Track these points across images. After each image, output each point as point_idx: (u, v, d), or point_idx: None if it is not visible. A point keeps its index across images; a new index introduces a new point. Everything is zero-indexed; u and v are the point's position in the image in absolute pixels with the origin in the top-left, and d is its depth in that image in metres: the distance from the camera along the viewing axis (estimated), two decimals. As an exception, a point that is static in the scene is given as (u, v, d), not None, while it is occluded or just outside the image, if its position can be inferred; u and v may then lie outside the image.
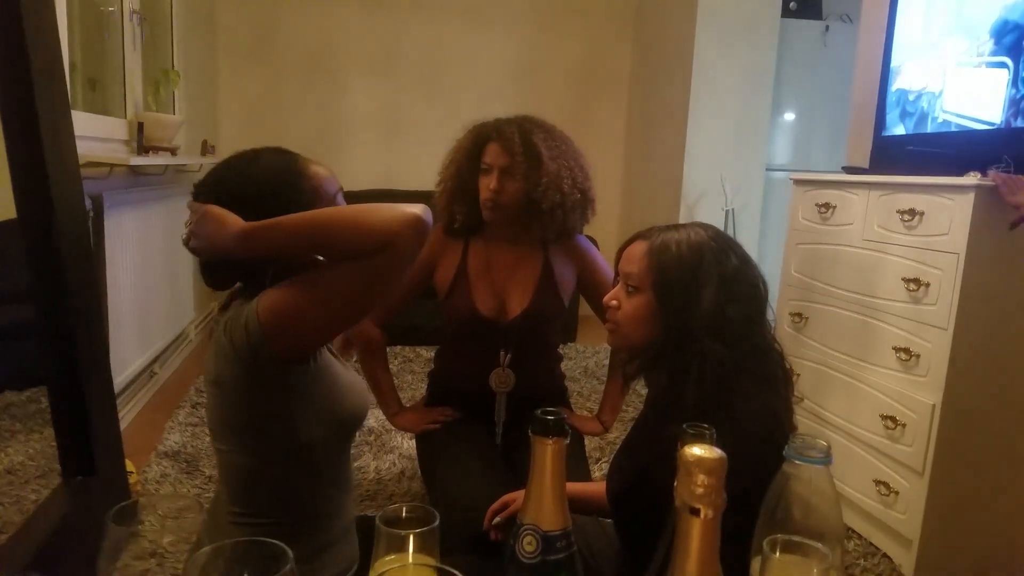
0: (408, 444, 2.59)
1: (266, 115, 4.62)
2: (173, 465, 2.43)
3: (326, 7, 4.61)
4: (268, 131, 4.57)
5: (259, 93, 4.62)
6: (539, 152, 1.77)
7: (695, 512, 0.53)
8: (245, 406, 1.09)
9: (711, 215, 4.17)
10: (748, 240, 4.21)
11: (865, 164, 2.48)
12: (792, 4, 4.37)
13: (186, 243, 1.08)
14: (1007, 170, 1.81)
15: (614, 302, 1.21)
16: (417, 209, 1.02)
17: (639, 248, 1.20)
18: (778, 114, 4.41)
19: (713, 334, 1.10)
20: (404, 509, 0.67)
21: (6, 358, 2.48)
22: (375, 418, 2.62)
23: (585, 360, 3.95)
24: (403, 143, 4.79)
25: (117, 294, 2.60)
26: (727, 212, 4.14)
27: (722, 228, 4.08)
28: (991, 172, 1.80)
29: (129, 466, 2.16)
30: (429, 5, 4.73)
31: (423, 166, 4.60)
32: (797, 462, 0.79)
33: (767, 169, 4.34)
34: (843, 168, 2.45)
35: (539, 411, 0.70)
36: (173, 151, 2.94)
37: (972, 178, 1.81)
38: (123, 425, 2.65)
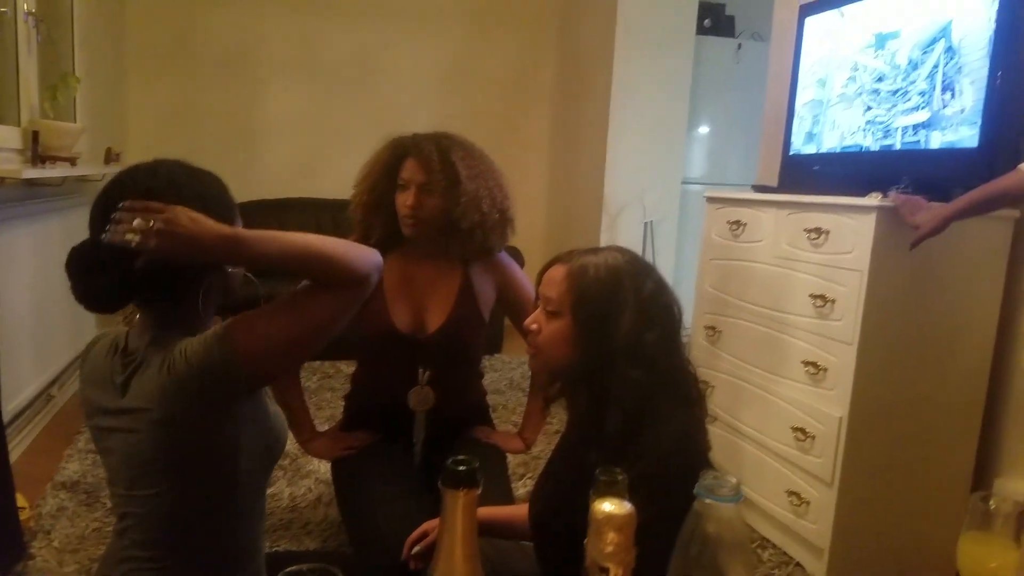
0: (324, 468, 2.51)
1: (179, 119, 4.45)
2: (71, 497, 2.29)
3: (243, 6, 4.47)
4: (182, 136, 4.39)
5: (172, 97, 4.44)
6: (457, 171, 1.76)
7: (604, 572, 0.52)
8: (196, 442, 1.04)
9: (632, 227, 4.24)
10: (667, 252, 4.30)
11: (774, 183, 2.55)
12: (707, 21, 4.49)
13: (139, 244, 0.96)
14: (907, 191, 1.89)
15: (534, 325, 1.21)
16: (377, 256, 1.12)
17: (558, 272, 1.20)
18: (694, 128, 4.53)
19: (631, 359, 1.11)
20: (305, 568, 0.64)
21: None
22: (289, 440, 2.54)
23: (510, 372, 3.93)
24: (324, 149, 4.69)
25: (10, 313, 2.44)
26: (647, 225, 4.22)
27: (642, 240, 4.10)
28: (892, 193, 1.87)
29: (21, 501, 2.02)
30: (353, 8, 4.65)
31: (343, 173, 4.49)
32: (707, 501, 0.80)
33: (684, 182, 4.44)
34: (753, 187, 2.52)
35: (450, 461, 0.67)
36: (72, 161, 2.78)
37: (874, 199, 1.88)
38: (16, 454, 2.49)
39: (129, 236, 0.96)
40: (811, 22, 2.47)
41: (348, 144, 4.61)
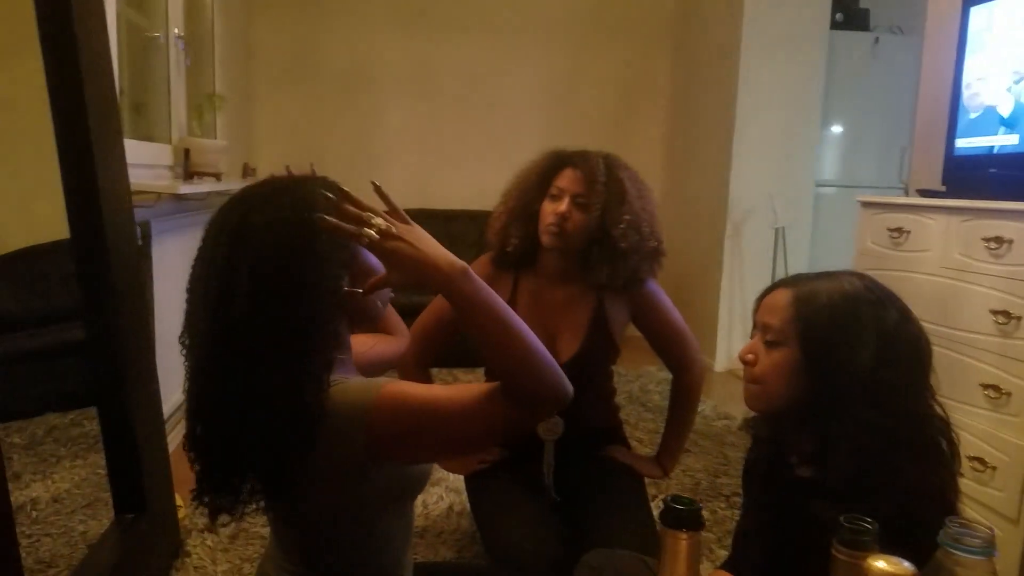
0: (454, 476, 2.51)
1: (304, 135, 4.63)
2: (219, 498, 2.37)
3: (361, 26, 4.61)
4: (306, 150, 4.57)
5: (296, 113, 4.62)
6: (625, 187, 1.69)
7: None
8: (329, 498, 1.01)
9: (759, 233, 4.06)
10: (800, 259, 4.10)
11: (936, 185, 2.36)
12: (839, 16, 4.27)
13: (371, 243, 0.89)
14: None
15: (750, 356, 1.11)
16: (569, 387, 0.99)
17: (782, 297, 1.09)
18: (827, 128, 4.31)
19: (868, 399, 1.01)
20: None
21: (49, 378, 2.45)
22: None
23: (628, 385, 3.72)
24: (438, 161, 4.78)
25: (162, 320, 2.57)
26: (777, 231, 4.03)
27: (772, 248, 3.88)
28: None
29: (177, 499, 2.12)
30: (464, 22, 4.71)
31: (457, 185, 4.61)
32: (954, 552, 0.70)
33: (817, 185, 4.23)
34: (917, 191, 2.33)
35: (670, 498, 0.64)
36: (218, 176, 2.91)
37: (1067, 205, 1.69)
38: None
39: (367, 232, 0.88)
40: (978, 12, 2.26)
41: (460, 155, 4.71)
